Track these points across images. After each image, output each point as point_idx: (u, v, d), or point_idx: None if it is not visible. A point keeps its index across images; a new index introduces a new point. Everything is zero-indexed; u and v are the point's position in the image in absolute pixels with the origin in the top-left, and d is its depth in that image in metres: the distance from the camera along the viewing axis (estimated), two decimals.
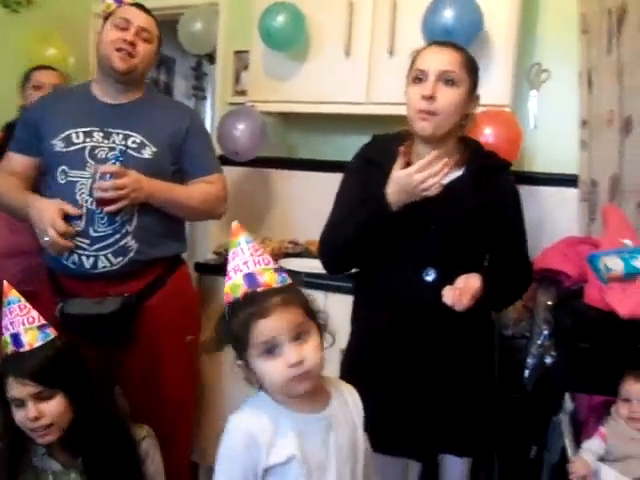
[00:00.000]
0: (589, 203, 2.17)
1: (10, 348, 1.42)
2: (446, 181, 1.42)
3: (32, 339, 1.42)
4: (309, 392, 1.10)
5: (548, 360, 1.94)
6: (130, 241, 1.77)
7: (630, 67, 2.08)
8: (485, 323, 1.55)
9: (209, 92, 4.13)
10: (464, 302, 1.32)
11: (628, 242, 1.89)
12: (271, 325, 1.05)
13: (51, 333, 1.46)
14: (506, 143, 1.97)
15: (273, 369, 1.06)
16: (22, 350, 1.41)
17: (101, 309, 1.72)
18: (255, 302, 1.07)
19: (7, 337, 1.43)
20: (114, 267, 1.75)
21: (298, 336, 1.07)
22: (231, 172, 2.63)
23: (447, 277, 1.39)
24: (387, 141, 1.56)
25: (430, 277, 1.44)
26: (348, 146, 2.53)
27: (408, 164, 1.43)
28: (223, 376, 2.29)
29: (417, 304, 1.44)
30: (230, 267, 1.11)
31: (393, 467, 1.35)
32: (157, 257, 1.83)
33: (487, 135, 1.96)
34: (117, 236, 1.75)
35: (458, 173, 1.48)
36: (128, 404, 1.72)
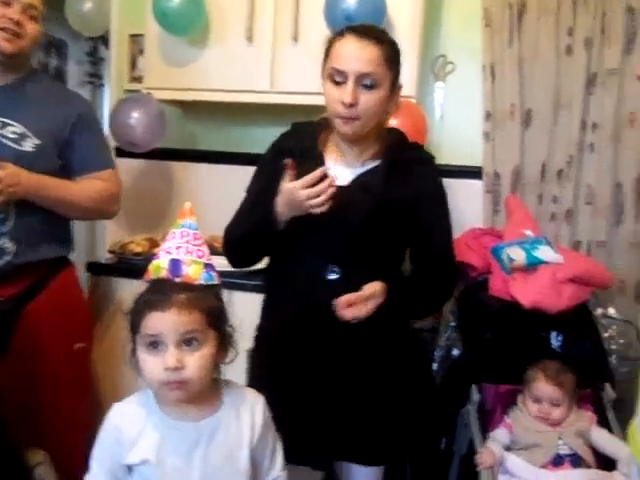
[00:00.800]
0: (493, 195, 2.22)
1: None
2: (360, 172, 1.38)
3: None
4: (185, 401, 1.05)
5: (455, 352, 1.95)
6: (6, 243, 1.61)
7: (529, 61, 2.14)
8: (394, 322, 1.47)
9: (106, 79, 3.88)
10: (356, 312, 1.28)
11: (529, 233, 1.93)
12: (162, 321, 1.01)
13: None
14: (412, 134, 1.92)
15: (152, 365, 1.02)
16: None
17: None
18: (159, 291, 1.03)
19: None
20: None
21: (188, 342, 1.02)
22: (127, 164, 2.48)
23: (351, 276, 1.34)
24: (306, 130, 1.47)
25: (333, 276, 1.37)
26: (252, 137, 2.49)
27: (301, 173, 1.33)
28: (123, 387, 2.13)
29: (318, 303, 1.35)
30: (163, 247, 1.08)
31: (299, 475, 1.28)
32: (38, 260, 1.68)
33: (393, 126, 1.92)
34: None
35: (374, 164, 1.42)
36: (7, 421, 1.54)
